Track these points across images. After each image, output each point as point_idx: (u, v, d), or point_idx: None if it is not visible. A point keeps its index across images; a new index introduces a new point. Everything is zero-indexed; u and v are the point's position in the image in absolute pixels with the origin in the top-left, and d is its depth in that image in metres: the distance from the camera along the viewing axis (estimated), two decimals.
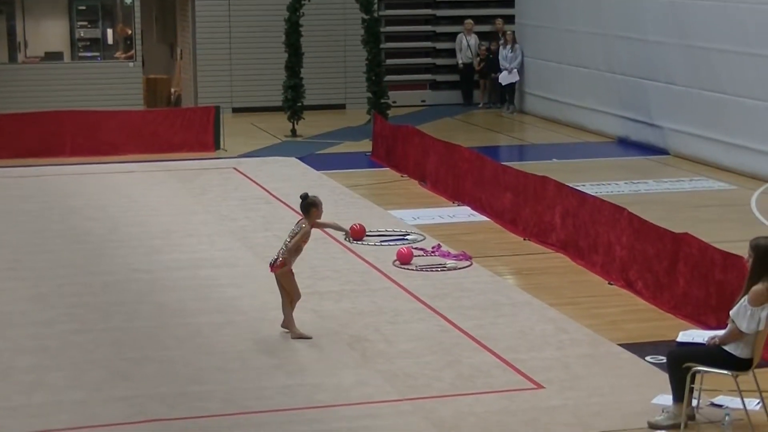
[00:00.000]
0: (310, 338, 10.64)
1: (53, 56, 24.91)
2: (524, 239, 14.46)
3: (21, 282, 12.60)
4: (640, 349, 10.38)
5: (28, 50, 24.97)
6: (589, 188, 16.24)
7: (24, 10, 24.85)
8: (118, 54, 25.29)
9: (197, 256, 13.58)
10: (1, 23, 24.74)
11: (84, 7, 25.10)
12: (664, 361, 9.10)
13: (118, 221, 15.34)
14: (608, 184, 17.48)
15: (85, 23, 25.15)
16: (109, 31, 25.28)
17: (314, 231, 10.90)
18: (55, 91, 24.08)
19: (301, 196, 10.83)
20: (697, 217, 15.16)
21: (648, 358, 10.14)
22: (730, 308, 8.64)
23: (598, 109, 22.12)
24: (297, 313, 10.80)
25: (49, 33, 25.06)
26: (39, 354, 10.32)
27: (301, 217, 10.87)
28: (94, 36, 25.18)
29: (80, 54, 25.07)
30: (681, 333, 9.54)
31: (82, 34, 25.09)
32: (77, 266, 13.22)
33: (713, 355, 8.64)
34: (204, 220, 15.46)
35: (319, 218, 10.86)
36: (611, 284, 12.52)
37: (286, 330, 10.76)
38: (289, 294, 10.73)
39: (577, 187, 14.71)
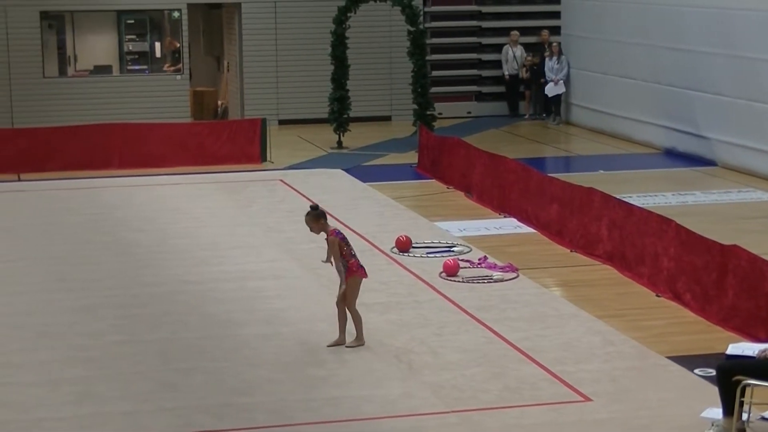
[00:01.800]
0: (342, 344, 10.67)
1: (102, 69, 25.14)
2: (571, 251, 14.40)
3: (69, 293, 12.69)
4: (688, 361, 10.30)
5: (77, 64, 25.20)
6: (636, 199, 16.15)
7: (74, 25, 25.10)
8: (165, 67, 25.48)
9: (244, 267, 13.63)
10: (52, 37, 24.98)
11: (132, 21, 25.32)
12: (713, 374, 9.02)
13: (165, 233, 15.43)
14: (655, 195, 17.37)
15: (133, 37, 25.36)
16: (157, 45, 25.48)
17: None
18: (103, 104, 24.31)
19: (312, 207, 10.84)
20: (745, 229, 15.04)
21: (697, 370, 10.05)
22: None
23: (645, 120, 22.00)
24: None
25: (98, 47, 25.29)
26: (87, 365, 10.40)
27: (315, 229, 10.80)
28: (142, 49, 25.40)
29: (128, 67, 25.28)
30: (731, 345, 9.46)
31: (130, 48, 25.30)
32: (125, 277, 13.31)
33: (764, 369, 8.54)
34: (250, 231, 15.52)
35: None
36: (659, 296, 12.43)
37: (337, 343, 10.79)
38: (347, 298, 10.76)
39: (623, 199, 14.64)
